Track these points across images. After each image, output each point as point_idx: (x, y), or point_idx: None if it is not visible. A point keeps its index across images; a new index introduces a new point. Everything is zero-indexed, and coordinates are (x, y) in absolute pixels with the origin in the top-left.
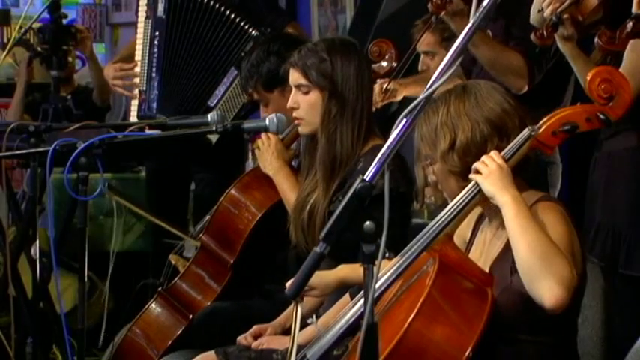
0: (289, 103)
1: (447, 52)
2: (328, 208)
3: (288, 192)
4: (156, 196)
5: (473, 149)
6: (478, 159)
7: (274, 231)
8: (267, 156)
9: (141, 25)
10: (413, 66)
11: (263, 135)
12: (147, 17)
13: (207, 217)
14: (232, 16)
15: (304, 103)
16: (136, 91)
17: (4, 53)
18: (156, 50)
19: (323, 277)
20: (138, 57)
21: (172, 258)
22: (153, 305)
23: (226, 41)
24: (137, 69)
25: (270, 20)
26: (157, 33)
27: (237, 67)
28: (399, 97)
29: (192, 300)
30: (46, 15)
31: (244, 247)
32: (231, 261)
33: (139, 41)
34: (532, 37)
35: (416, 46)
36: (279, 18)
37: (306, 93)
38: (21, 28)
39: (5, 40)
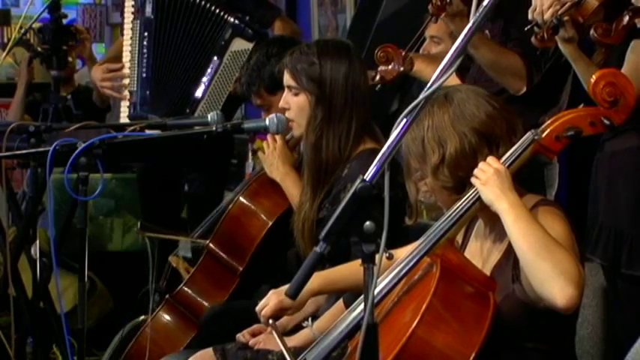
0: (281, 103)
1: (452, 27)
2: (317, 216)
3: (297, 198)
4: (148, 195)
5: (463, 162)
6: (470, 171)
7: (281, 235)
8: (273, 160)
9: (128, 27)
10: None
11: (269, 137)
12: (135, 18)
13: (209, 219)
14: (210, 6)
15: (294, 105)
16: (126, 92)
17: (4, 53)
18: (145, 51)
19: None
20: (126, 58)
21: (172, 260)
22: (161, 312)
23: (209, 33)
24: (125, 70)
25: (259, 15)
26: (145, 33)
27: (219, 55)
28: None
29: (200, 306)
30: (46, 15)
31: (254, 254)
32: (241, 269)
33: (127, 42)
34: (532, 40)
35: (424, 31)
36: (268, 12)
37: (296, 95)
38: (21, 28)
39: (5, 40)
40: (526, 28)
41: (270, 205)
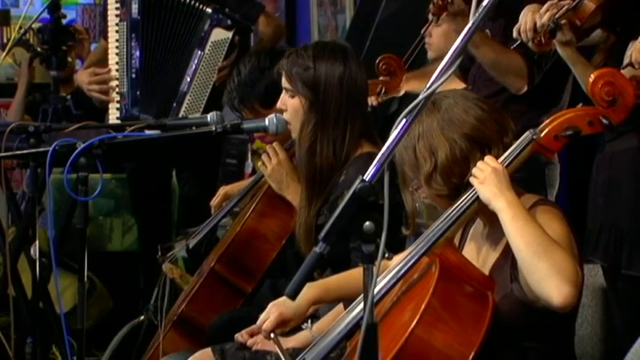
0: (279, 104)
1: (453, 27)
2: (315, 222)
3: None
4: (139, 195)
5: (455, 168)
6: (463, 178)
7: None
8: (281, 177)
9: (113, 29)
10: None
11: (269, 150)
12: (121, 20)
13: (205, 228)
14: (190, 1)
15: (290, 107)
16: (114, 95)
17: (4, 53)
18: (133, 51)
19: (295, 306)
20: (112, 61)
21: (167, 269)
22: (170, 335)
23: (191, 27)
24: (113, 73)
25: (244, 12)
26: (133, 34)
27: (201, 47)
28: (402, 93)
29: (206, 325)
30: (45, 15)
31: (264, 274)
32: (250, 289)
33: (113, 45)
34: (530, 44)
35: (424, 35)
36: (252, 9)
37: (292, 97)
38: (21, 28)
39: (5, 40)
40: (512, 47)
41: (279, 226)
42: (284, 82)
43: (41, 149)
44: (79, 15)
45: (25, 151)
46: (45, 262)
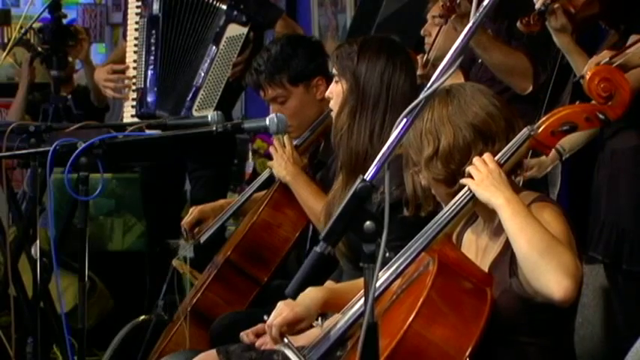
0: (326, 93)
1: (461, 28)
2: None
3: (311, 198)
4: (151, 194)
5: (456, 155)
6: (462, 165)
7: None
8: (281, 162)
9: (132, 27)
10: None
11: (275, 141)
12: (141, 17)
13: (217, 223)
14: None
15: (335, 93)
16: (128, 92)
17: (5, 53)
18: (152, 48)
19: (307, 305)
20: (130, 58)
21: (176, 264)
22: (182, 327)
23: (208, 23)
24: (130, 71)
25: (262, 15)
26: (153, 31)
27: (215, 43)
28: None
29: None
30: (46, 15)
31: (279, 264)
32: (265, 279)
33: (132, 42)
34: (518, 24)
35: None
36: (270, 12)
37: (337, 82)
38: (21, 28)
39: (5, 40)
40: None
41: (295, 216)
42: (332, 69)
43: (42, 149)
44: (79, 15)
45: (25, 151)
46: (46, 262)
